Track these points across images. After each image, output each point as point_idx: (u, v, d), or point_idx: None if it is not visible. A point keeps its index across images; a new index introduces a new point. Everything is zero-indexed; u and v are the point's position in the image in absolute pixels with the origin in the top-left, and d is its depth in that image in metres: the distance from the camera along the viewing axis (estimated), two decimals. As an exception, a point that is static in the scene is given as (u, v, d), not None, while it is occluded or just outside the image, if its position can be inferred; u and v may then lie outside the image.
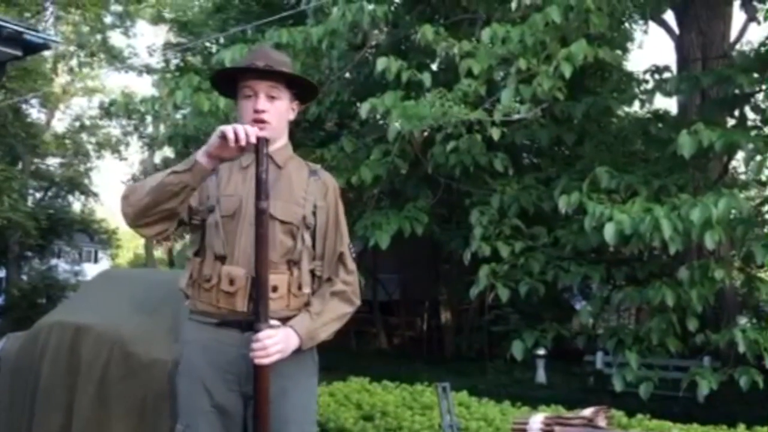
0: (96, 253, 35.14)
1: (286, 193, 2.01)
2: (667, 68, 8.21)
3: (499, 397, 4.66)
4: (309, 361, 2.05)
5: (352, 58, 8.20)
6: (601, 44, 6.48)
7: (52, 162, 24.27)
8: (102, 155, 25.79)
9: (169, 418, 2.64)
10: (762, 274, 8.45)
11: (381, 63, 6.32)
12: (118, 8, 22.40)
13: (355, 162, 7.18)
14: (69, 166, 24.21)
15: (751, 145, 5.96)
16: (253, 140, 1.79)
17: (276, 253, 1.94)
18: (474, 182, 7.89)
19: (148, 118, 21.44)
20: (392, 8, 8.45)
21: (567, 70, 5.79)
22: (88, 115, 25.40)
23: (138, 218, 1.89)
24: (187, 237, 2.21)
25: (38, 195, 23.40)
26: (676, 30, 9.60)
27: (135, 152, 35.38)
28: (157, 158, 23.77)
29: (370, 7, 6.90)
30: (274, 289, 1.93)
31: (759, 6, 8.43)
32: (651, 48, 48.82)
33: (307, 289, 2.00)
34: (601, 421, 2.55)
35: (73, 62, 23.22)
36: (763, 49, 7.89)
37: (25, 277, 21.51)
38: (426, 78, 6.34)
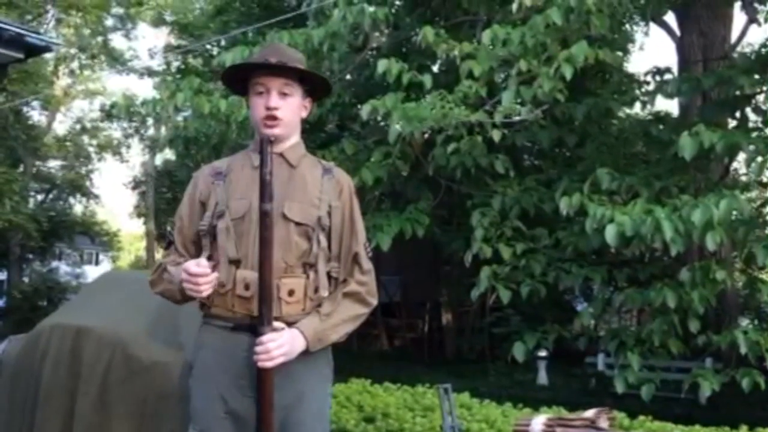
0: (97, 255, 35.18)
1: (301, 194, 1.96)
2: (668, 70, 8.20)
3: (501, 399, 4.66)
4: (324, 365, 2.01)
5: (352, 60, 8.20)
6: (601, 46, 6.47)
7: (54, 164, 24.34)
8: (103, 157, 25.87)
9: (175, 419, 2.64)
10: (763, 276, 8.45)
11: (382, 65, 6.31)
12: (119, 11, 22.45)
13: (356, 164, 7.17)
14: (70, 168, 24.27)
15: (752, 147, 5.95)
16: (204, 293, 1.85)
17: (292, 255, 1.91)
18: (475, 184, 7.89)
19: (149, 121, 21.50)
20: (393, 10, 8.45)
21: (568, 72, 5.79)
22: (89, 118, 25.48)
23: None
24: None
25: (39, 197, 23.45)
26: (677, 31, 9.60)
27: (136, 154, 35.51)
28: (159, 160, 23.81)
29: (371, 9, 6.91)
30: (291, 293, 1.90)
31: (760, 7, 8.43)
32: (652, 49, 49.05)
33: (324, 292, 1.95)
34: (603, 423, 2.54)
35: (75, 65, 23.29)
36: (764, 50, 7.89)
37: (26, 280, 21.53)
38: (427, 80, 6.33)
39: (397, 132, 6.19)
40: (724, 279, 5.61)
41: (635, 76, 9.58)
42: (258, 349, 1.79)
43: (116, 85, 55.96)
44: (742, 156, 7.08)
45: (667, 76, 8.04)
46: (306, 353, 1.89)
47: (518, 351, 6.30)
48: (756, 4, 8.43)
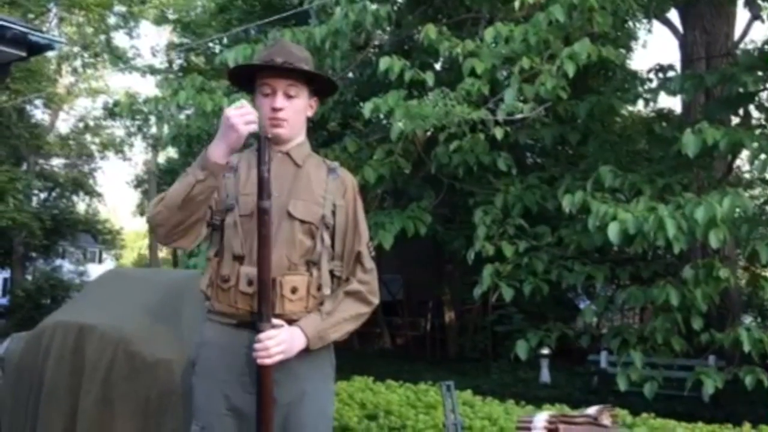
0: (100, 253, 35.27)
1: (306, 192, 1.98)
2: (671, 67, 8.18)
3: (503, 397, 4.65)
4: (327, 363, 2.03)
5: (355, 58, 8.19)
6: (604, 43, 6.45)
7: (57, 163, 24.38)
8: (106, 156, 25.89)
9: (178, 416, 2.64)
10: (766, 273, 8.42)
11: (384, 63, 6.30)
12: (122, 9, 22.46)
13: (358, 162, 7.16)
14: (73, 166, 24.33)
15: (755, 144, 5.93)
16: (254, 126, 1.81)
17: (296, 253, 1.93)
18: (477, 182, 7.88)
19: (152, 119, 21.43)
20: (395, 8, 8.44)
21: (570, 69, 5.77)
22: (92, 116, 25.52)
23: (171, 236, 1.88)
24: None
25: (42, 195, 23.51)
26: (680, 29, 9.57)
27: (139, 153, 35.50)
28: (161, 158, 23.84)
29: (373, 7, 6.89)
30: (294, 290, 1.91)
31: (763, 4, 8.40)
32: (655, 47, 48.84)
33: (326, 291, 1.97)
34: (606, 420, 2.53)
35: (77, 63, 23.32)
36: (767, 47, 7.85)
37: (29, 278, 21.61)
38: (429, 77, 6.32)
39: (399, 130, 6.18)
40: (727, 277, 5.59)
41: (638, 74, 9.55)
42: (257, 346, 1.80)
43: (119, 83, 56.10)
44: (745, 153, 7.05)
45: (670, 74, 8.01)
46: (308, 351, 1.90)
47: (521, 349, 6.29)
48: (759, 1, 8.40)
